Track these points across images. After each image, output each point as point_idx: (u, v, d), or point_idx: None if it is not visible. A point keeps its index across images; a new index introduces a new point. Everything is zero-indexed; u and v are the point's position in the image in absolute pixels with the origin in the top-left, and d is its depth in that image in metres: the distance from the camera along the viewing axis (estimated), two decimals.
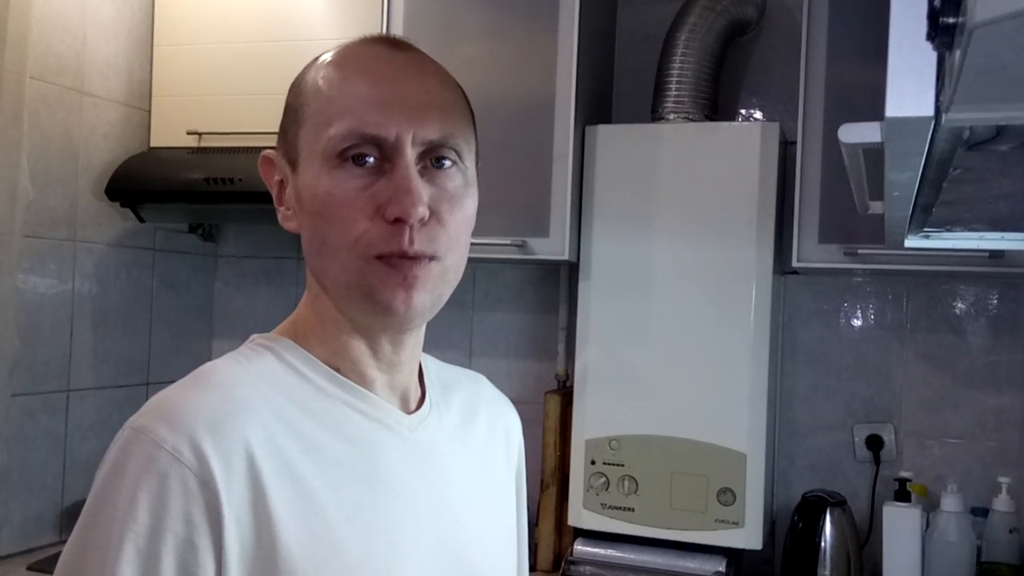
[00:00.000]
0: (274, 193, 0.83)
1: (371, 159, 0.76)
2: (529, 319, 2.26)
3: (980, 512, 1.81)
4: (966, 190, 0.73)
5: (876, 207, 0.98)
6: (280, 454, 0.73)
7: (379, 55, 0.80)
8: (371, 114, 0.75)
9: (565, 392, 2.10)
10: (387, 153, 0.76)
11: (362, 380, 0.81)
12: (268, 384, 0.77)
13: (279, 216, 0.82)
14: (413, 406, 0.85)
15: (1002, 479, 1.79)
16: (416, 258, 0.76)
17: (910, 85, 0.41)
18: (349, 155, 0.76)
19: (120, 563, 0.66)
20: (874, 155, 0.82)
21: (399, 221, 0.75)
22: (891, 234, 1.01)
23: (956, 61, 0.39)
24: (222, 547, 0.68)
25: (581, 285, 1.97)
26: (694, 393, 1.88)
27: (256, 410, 0.74)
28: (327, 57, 0.82)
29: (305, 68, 0.83)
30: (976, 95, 0.40)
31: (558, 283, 2.21)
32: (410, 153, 0.76)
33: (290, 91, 0.83)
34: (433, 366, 0.92)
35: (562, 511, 2.04)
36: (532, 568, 2.05)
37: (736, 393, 1.86)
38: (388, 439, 0.81)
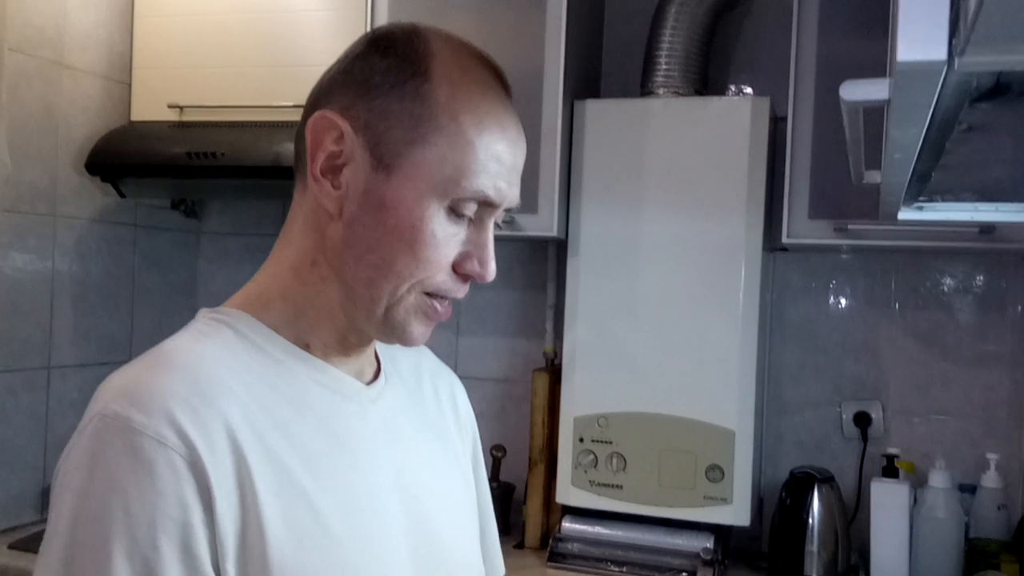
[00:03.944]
0: (319, 157, 0.77)
1: (473, 212, 0.78)
2: (517, 297, 2.24)
3: (968, 488, 1.81)
4: (966, 152, 0.71)
5: (872, 176, 0.96)
6: (255, 430, 0.72)
7: (502, 102, 0.80)
8: (502, 181, 0.77)
9: (553, 370, 2.09)
10: (483, 211, 0.78)
11: (322, 354, 0.81)
12: (232, 360, 0.75)
13: (317, 185, 0.77)
14: (368, 377, 0.85)
15: (990, 455, 1.79)
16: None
17: (923, 28, 0.40)
18: (463, 207, 0.76)
19: (119, 559, 0.64)
20: (873, 120, 0.81)
21: (469, 277, 0.78)
22: (885, 204, 1.00)
23: (972, 3, 0.38)
24: (215, 527, 0.67)
25: (569, 262, 1.95)
26: (683, 370, 1.87)
27: (228, 387, 0.72)
28: (454, 71, 0.76)
29: (427, 60, 0.76)
30: (992, 38, 0.38)
31: (546, 260, 2.19)
32: (499, 214, 0.80)
33: (400, 75, 0.76)
34: None
35: (550, 489, 2.03)
36: (520, 546, 2.05)
37: (725, 370, 1.85)
38: (351, 410, 0.81)
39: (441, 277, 0.77)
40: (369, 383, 0.84)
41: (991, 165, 0.80)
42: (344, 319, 0.80)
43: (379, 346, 0.89)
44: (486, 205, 0.77)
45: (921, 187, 0.98)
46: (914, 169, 0.78)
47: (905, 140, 0.54)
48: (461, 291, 0.80)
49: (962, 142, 0.64)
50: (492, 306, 2.25)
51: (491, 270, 0.79)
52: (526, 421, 2.08)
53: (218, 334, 0.77)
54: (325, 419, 0.78)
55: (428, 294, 0.78)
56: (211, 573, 0.67)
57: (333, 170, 0.77)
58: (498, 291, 2.24)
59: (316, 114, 0.77)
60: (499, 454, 2.11)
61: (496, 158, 0.77)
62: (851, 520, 1.90)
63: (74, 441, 0.69)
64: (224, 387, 0.72)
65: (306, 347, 0.79)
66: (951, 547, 1.74)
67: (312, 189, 0.78)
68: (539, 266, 2.20)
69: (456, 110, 0.76)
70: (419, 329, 0.80)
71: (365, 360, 0.85)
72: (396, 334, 0.80)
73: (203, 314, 0.80)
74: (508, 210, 0.81)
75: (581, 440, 1.94)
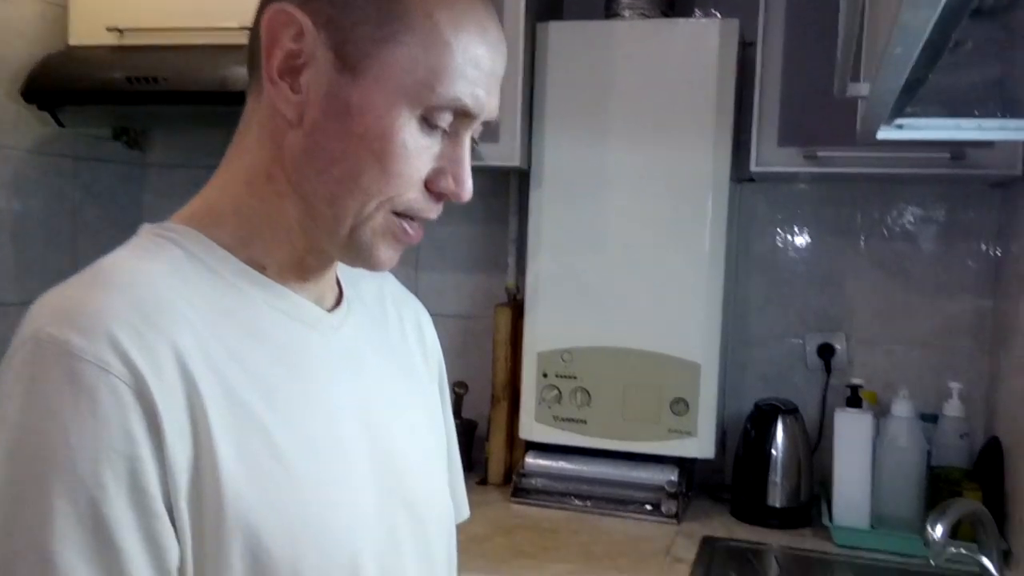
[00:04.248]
0: (276, 56, 0.69)
1: (448, 123, 0.71)
2: (478, 231, 2.18)
3: (930, 418, 1.81)
4: (961, 56, 0.67)
5: (856, 89, 0.92)
6: (208, 358, 0.66)
7: (482, 1, 0.72)
8: (480, 89, 0.70)
9: (516, 305, 2.05)
10: (459, 123, 0.71)
11: (279, 277, 0.74)
12: (180, 281, 0.68)
13: (274, 89, 0.70)
14: (329, 304, 0.79)
15: (953, 384, 1.79)
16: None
17: None
18: (438, 117, 0.69)
19: (60, 497, 0.58)
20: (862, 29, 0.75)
21: (443, 196, 0.72)
22: (868, 119, 0.95)
23: None
24: (165, 461, 0.61)
25: (532, 194, 1.90)
26: (648, 304, 1.84)
27: (177, 310, 0.66)
28: None
29: None
30: None
31: (508, 192, 2.13)
32: (475, 127, 0.73)
33: None
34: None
35: (513, 425, 2.00)
36: (483, 482, 2.02)
37: (691, 303, 1.82)
38: (312, 339, 0.75)
39: (412, 195, 0.71)
40: (330, 310, 0.78)
41: (984, 68, 0.76)
42: (303, 239, 0.73)
43: (340, 271, 0.83)
44: (462, 115, 0.71)
45: (904, 102, 0.94)
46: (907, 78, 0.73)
47: (914, 25, 0.49)
48: (434, 211, 0.73)
49: (965, 30, 0.60)
50: (452, 240, 2.19)
51: (467, 189, 0.73)
52: (488, 357, 2.04)
53: (164, 252, 0.70)
54: (283, 348, 0.72)
55: (397, 214, 0.72)
56: (163, 511, 0.61)
57: (292, 71, 0.69)
58: (458, 225, 2.18)
59: (272, 7, 0.69)
60: (461, 391, 2.07)
61: (474, 62, 0.70)
62: (813, 451, 1.90)
63: (4, 367, 0.63)
64: (172, 310, 0.66)
65: (261, 269, 0.73)
66: (913, 476, 1.74)
67: (268, 93, 0.70)
68: (501, 198, 2.14)
69: (431, 7, 0.69)
70: (387, 252, 0.74)
71: (325, 285, 0.79)
72: (361, 257, 0.74)
73: (146, 230, 0.73)
74: (486, 123, 0.74)
75: (545, 375, 1.90)
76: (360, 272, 0.86)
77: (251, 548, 0.64)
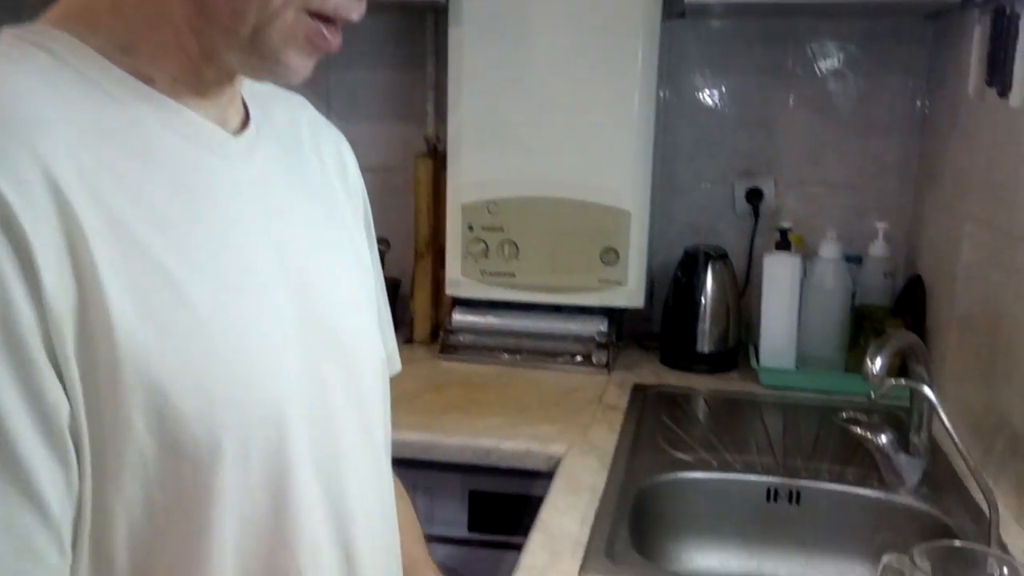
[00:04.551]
0: None
1: None
2: (393, 77, 2.04)
3: (855, 259, 1.81)
4: None
5: None
6: (88, 185, 0.55)
7: None
8: None
9: (437, 156, 1.94)
10: None
11: (171, 92, 0.63)
12: (50, 92, 0.57)
13: None
14: (234, 127, 0.68)
15: (879, 224, 1.79)
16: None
17: None
18: None
19: None
20: None
21: None
22: None
23: None
24: (43, 304, 0.51)
25: (451, 32, 1.76)
26: (577, 151, 1.76)
27: (48, 125, 0.54)
28: None
29: None
30: None
31: (424, 32, 1.98)
32: None
33: None
34: (246, 79, 0.73)
35: (438, 281, 1.93)
36: (409, 341, 1.97)
37: (620, 148, 1.75)
38: (216, 166, 0.64)
39: None
40: (236, 134, 0.68)
41: None
42: (196, 44, 0.62)
43: (247, 91, 0.71)
44: None
45: None
46: None
47: None
48: (355, 11, 0.63)
49: None
50: (364, 87, 2.04)
51: None
52: (409, 212, 1.95)
53: (30, 58, 0.58)
54: (181, 175, 0.61)
55: (312, 14, 0.61)
56: (44, 362, 0.52)
57: None
58: (370, 70, 2.03)
59: None
60: (383, 248, 1.96)
61: None
62: (740, 296, 1.90)
63: None
64: (42, 125, 0.54)
65: (149, 81, 0.61)
66: (838, 316, 1.75)
67: None
68: (416, 39, 1.99)
69: None
70: (298, 59, 0.63)
71: (228, 104, 0.68)
72: (267, 65, 0.63)
73: (6, 33, 0.60)
74: None
75: (470, 228, 1.83)
76: (271, 94, 0.75)
77: (155, 404, 0.56)
